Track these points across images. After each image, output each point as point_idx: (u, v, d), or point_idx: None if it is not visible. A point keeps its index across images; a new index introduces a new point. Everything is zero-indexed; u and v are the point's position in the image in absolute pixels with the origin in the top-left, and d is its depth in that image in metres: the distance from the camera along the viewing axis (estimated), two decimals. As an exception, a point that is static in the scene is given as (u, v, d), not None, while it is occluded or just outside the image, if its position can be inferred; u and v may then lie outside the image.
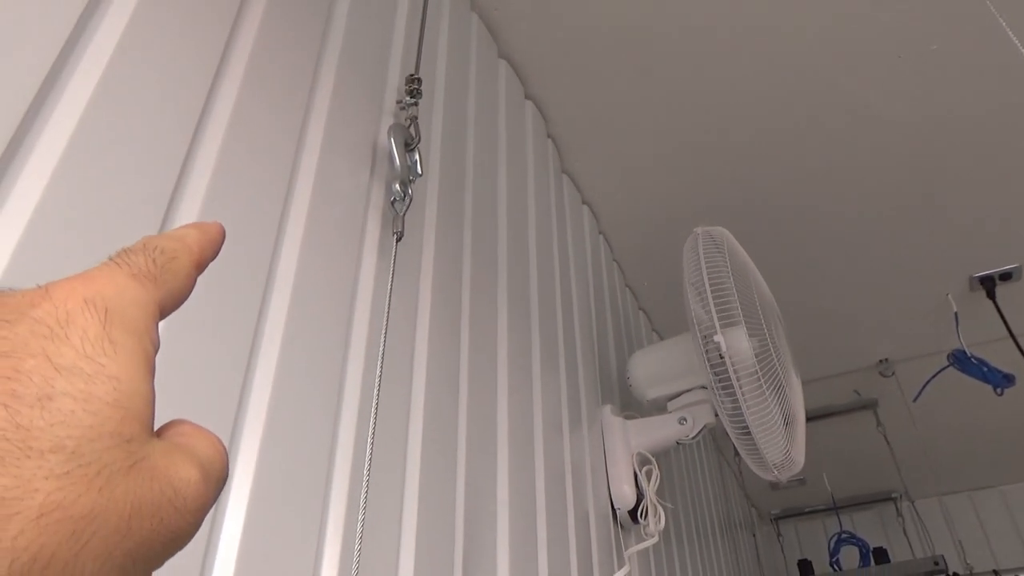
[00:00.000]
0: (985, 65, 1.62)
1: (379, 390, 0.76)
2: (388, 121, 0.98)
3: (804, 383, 1.53)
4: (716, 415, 1.38)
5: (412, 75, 1.02)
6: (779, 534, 3.61)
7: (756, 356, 1.29)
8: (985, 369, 2.19)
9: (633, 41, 1.58)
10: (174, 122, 0.63)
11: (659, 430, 1.48)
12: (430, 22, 1.19)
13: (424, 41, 1.12)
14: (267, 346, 0.66)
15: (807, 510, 3.54)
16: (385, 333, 0.80)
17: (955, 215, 2.04)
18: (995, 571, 2.87)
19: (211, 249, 0.29)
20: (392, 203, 0.89)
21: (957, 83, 1.66)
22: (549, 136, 1.78)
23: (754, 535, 3.31)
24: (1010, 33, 1.25)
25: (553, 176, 1.73)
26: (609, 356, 1.79)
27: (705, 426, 1.44)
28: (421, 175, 0.93)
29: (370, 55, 1.01)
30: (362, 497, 0.69)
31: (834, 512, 3.11)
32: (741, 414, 1.27)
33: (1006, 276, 2.23)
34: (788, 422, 1.33)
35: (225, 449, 0.25)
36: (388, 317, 0.81)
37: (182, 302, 0.27)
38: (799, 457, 1.41)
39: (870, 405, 2.85)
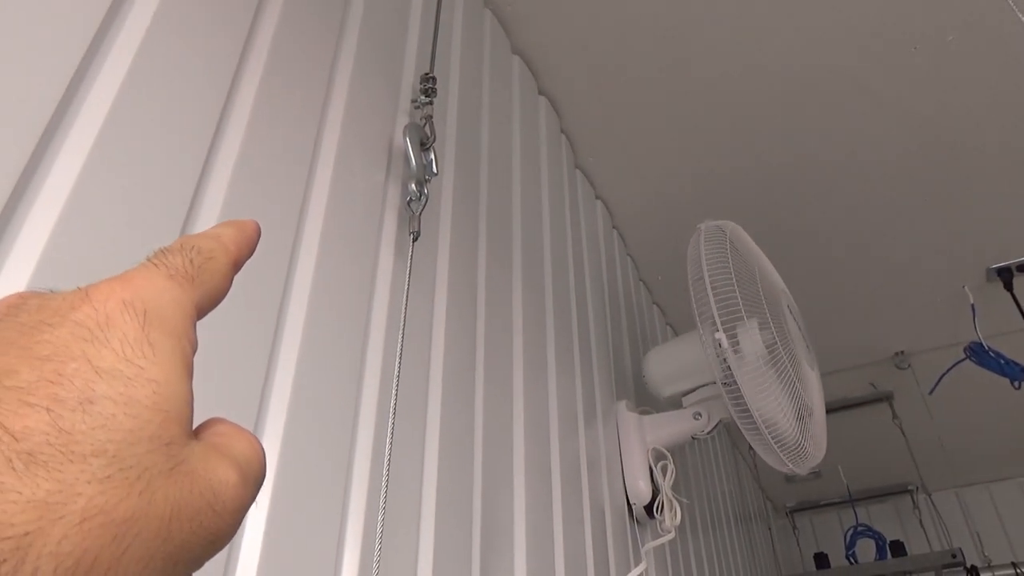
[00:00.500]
0: (1001, 56, 1.60)
1: (397, 387, 0.76)
2: (403, 120, 0.99)
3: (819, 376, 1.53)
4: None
5: (427, 74, 1.03)
6: (795, 527, 3.60)
7: (764, 350, 1.29)
8: (1002, 362, 2.17)
9: (646, 35, 1.58)
10: (194, 124, 0.63)
11: (674, 425, 1.48)
12: (444, 20, 1.19)
13: (438, 39, 1.12)
14: (287, 346, 0.67)
15: (823, 503, 3.52)
16: (403, 331, 0.80)
17: (972, 206, 2.02)
18: (1014, 563, 2.84)
19: (247, 247, 0.29)
20: (408, 203, 0.90)
21: (973, 74, 1.65)
22: (563, 131, 1.78)
23: (770, 528, 3.31)
24: (1027, 24, 1.24)
25: (567, 171, 1.73)
26: (624, 351, 1.79)
27: (720, 421, 1.44)
28: (436, 174, 0.94)
29: (385, 54, 1.02)
30: (382, 494, 0.70)
31: (850, 505, 3.09)
32: (748, 409, 1.27)
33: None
34: (801, 415, 1.33)
35: (262, 448, 0.25)
36: (405, 315, 0.82)
37: (219, 301, 0.27)
38: (816, 450, 1.41)
39: (886, 397, 2.84)
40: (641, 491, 1.42)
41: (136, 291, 0.23)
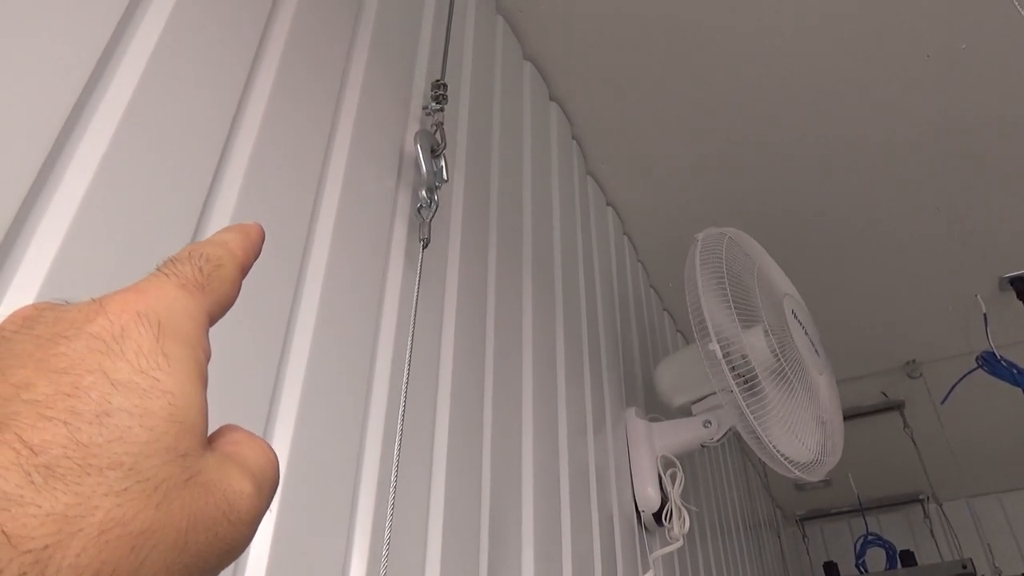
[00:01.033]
0: (1015, 65, 1.60)
1: (406, 395, 0.76)
2: (415, 127, 0.99)
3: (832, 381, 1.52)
4: (742, 417, 1.38)
5: (438, 80, 1.03)
6: (804, 535, 3.58)
7: (768, 357, 1.29)
8: (1015, 371, 2.15)
9: (658, 42, 1.58)
10: (207, 130, 0.64)
11: (684, 433, 1.48)
12: (455, 26, 1.19)
13: (450, 45, 1.13)
14: (296, 352, 0.67)
15: (833, 511, 3.50)
16: (412, 338, 0.80)
17: (985, 215, 2.01)
18: (1024, 574, 2.83)
19: (253, 252, 0.29)
20: (419, 209, 0.90)
21: (987, 83, 1.64)
22: (574, 138, 1.78)
23: (779, 536, 3.29)
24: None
25: (578, 178, 1.74)
26: (634, 358, 1.79)
27: (730, 429, 1.43)
28: (447, 181, 0.94)
29: (397, 61, 1.02)
30: (390, 500, 0.70)
31: (860, 514, 3.08)
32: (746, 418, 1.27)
33: (1036, 277, 2.20)
34: (800, 425, 1.32)
35: (276, 457, 0.25)
36: (415, 322, 0.82)
37: (229, 308, 0.27)
38: (828, 457, 1.41)
39: (897, 406, 2.82)
40: (650, 498, 1.42)
41: (150, 302, 0.23)
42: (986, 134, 1.77)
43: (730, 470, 2.57)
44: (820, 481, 1.46)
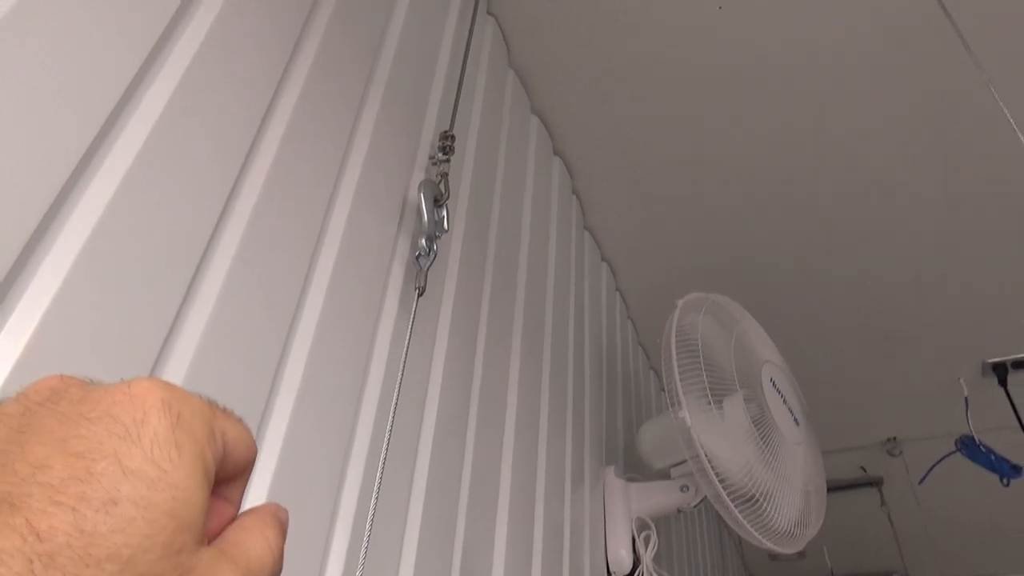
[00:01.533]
0: (1004, 152, 1.63)
1: (389, 440, 0.77)
2: (419, 176, 1.01)
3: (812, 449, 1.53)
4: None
5: (446, 132, 1.05)
6: (776, 606, 3.54)
7: (746, 424, 1.30)
8: (992, 458, 2.16)
9: (663, 105, 1.61)
10: (219, 165, 0.65)
11: (660, 496, 1.47)
12: (468, 77, 1.22)
13: (461, 97, 1.15)
14: (285, 389, 0.68)
15: (805, 583, 3.47)
16: (399, 384, 0.81)
17: (973, 297, 2.03)
18: (992, 662, 2.80)
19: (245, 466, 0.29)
20: (417, 257, 0.91)
21: (977, 166, 1.67)
22: (574, 192, 1.81)
23: (750, 605, 3.25)
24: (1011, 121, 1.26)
25: (575, 231, 1.76)
26: (616, 415, 1.79)
27: (707, 495, 1.43)
28: (447, 231, 0.95)
29: (407, 110, 1.04)
30: (364, 541, 0.70)
31: (832, 588, 3.05)
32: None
33: (1019, 364, 2.21)
34: (771, 493, 1.32)
35: (280, 547, 0.26)
36: (403, 368, 0.83)
37: (233, 474, 0.27)
38: (801, 530, 1.40)
39: (875, 483, 2.82)
40: (622, 560, 1.41)
41: (175, 392, 0.24)
42: (979, 215, 1.79)
43: (705, 536, 2.55)
44: (794, 553, 1.46)
